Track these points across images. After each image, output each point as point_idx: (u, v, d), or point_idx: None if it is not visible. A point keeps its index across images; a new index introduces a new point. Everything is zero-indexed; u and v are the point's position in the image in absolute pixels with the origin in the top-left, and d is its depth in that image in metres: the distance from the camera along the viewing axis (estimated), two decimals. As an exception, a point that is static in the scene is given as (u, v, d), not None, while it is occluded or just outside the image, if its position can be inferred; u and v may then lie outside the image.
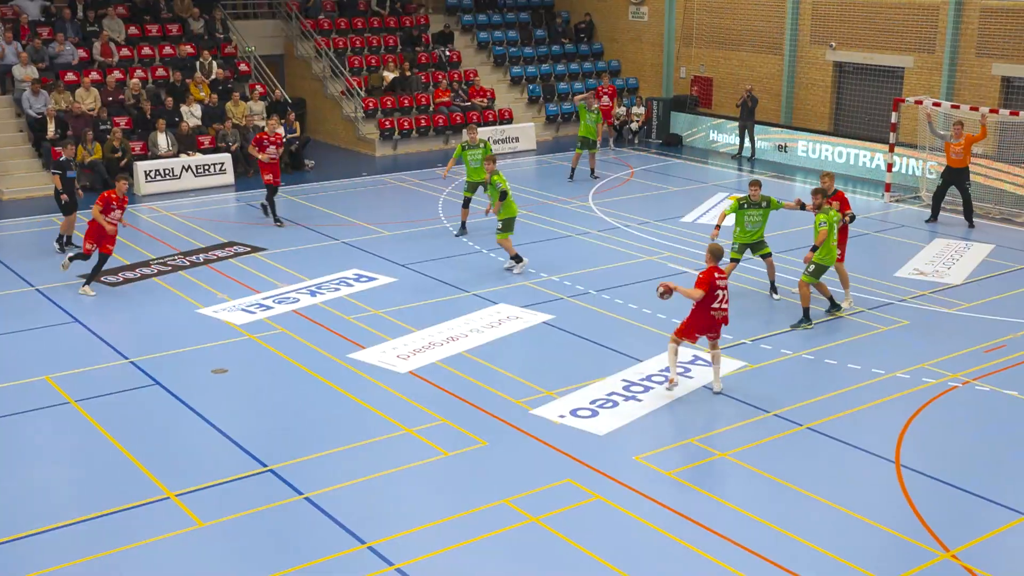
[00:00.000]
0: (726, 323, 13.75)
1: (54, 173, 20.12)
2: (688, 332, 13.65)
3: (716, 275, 13.40)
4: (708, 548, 10.05)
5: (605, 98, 31.45)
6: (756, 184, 17.17)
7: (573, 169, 26.82)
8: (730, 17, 32.41)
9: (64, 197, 19.89)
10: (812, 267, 15.97)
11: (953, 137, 21.96)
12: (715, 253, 13.61)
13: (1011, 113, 22.93)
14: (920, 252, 20.23)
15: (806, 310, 16.13)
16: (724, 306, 13.51)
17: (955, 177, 22.15)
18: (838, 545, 10.11)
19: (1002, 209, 23.30)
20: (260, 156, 22.19)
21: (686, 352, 14.96)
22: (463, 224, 21.47)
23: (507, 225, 18.73)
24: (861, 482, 11.39)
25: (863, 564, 9.80)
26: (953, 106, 24.07)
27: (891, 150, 24.94)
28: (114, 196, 17.85)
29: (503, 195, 18.45)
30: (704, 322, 13.54)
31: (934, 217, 22.82)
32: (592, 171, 26.90)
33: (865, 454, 12.00)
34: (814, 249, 15.92)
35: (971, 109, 23.66)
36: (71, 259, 18.11)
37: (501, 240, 18.77)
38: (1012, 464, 11.91)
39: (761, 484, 11.39)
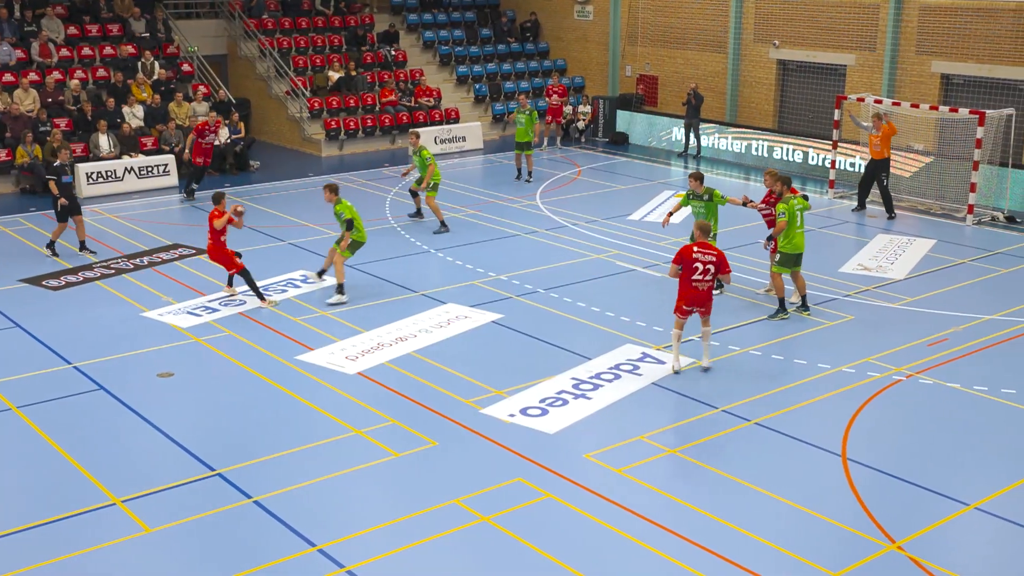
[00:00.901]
0: (709, 298, 14.11)
1: (49, 178, 19.93)
2: (677, 306, 14.16)
3: (696, 249, 13.89)
4: (658, 544, 10.10)
5: (555, 96, 31.52)
6: (694, 177, 17.49)
7: (519, 169, 26.81)
8: (674, 16, 32.61)
9: (63, 201, 19.68)
10: (779, 256, 16.28)
11: (873, 129, 22.43)
12: (702, 228, 14.38)
13: (951, 110, 23.27)
14: (864, 248, 20.47)
15: (781, 300, 16.45)
16: (707, 279, 13.88)
17: (875, 168, 22.82)
18: (786, 539, 10.20)
19: (943, 204, 23.64)
20: (200, 140, 23.29)
21: (634, 349, 15.03)
22: (442, 223, 21.58)
23: (352, 247, 17.45)
24: (808, 476, 11.50)
25: (811, 557, 9.89)
26: (894, 103, 24.38)
27: (834, 147, 25.21)
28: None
29: (349, 224, 17.16)
30: (687, 294, 13.96)
31: (861, 206, 23.44)
32: (529, 173, 26.68)
33: (812, 448, 12.12)
34: (770, 239, 16.44)
35: (912, 106, 23.99)
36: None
37: (338, 260, 17.31)
38: (955, 455, 12.08)
39: (710, 480, 11.46)
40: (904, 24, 26.76)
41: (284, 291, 17.75)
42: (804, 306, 16.58)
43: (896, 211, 22.94)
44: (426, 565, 9.82)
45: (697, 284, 13.85)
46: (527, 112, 26.52)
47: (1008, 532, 10.45)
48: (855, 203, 23.79)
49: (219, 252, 17.15)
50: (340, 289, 17.20)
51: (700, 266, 13.77)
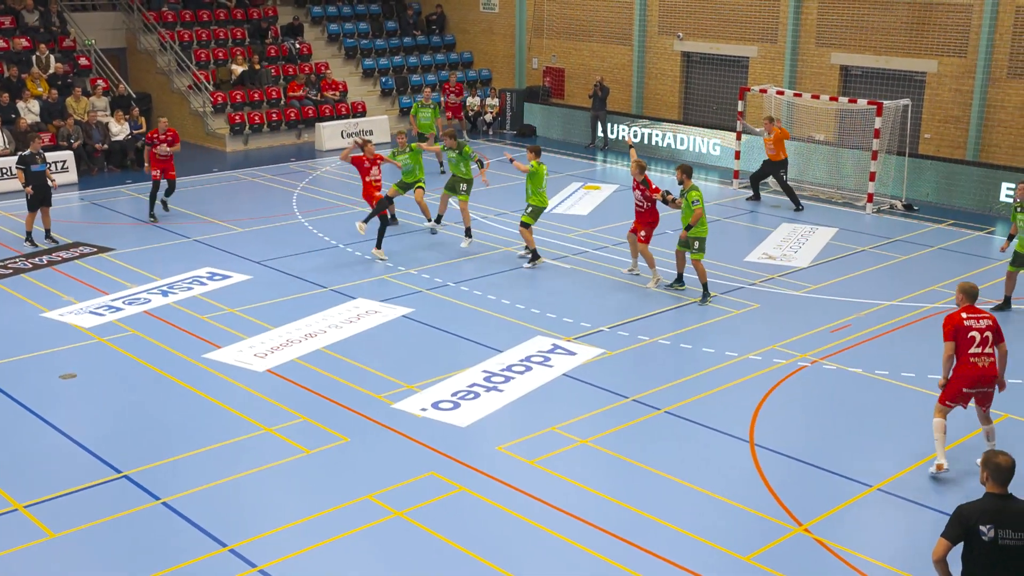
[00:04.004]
0: (994, 375, 11.36)
1: (18, 168, 19.94)
2: (948, 393, 11.43)
3: (965, 316, 11.34)
4: (572, 534, 10.17)
5: (452, 96, 31.41)
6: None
7: (441, 163, 26.37)
8: (580, 8, 32.78)
9: (29, 191, 19.68)
10: (697, 243, 16.66)
11: (766, 132, 23.07)
12: (966, 292, 11.49)
13: (850, 101, 23.77)
14: (768, 237, 20.83)
15: (705, 285, 16.78)
16: (987, 352, 11.24)
17: (770, 168, 23.45)
18: (698, 524, 10.35)
19: (844, 193, 24.14)
20: (156, 151, 22.16)
21: (545, 341, 15.09)
22: (439, 217, 21.29)
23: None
24: (717, 462, 11.67)
25: (721, 542, 10.05)
26: (796, 94, 24.83)
27: (738, 138, 25.60)
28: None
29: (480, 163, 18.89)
30: (967, 373, 11.26)
31: (755, 197, 23.97)
32: (440, 164, 26.20)
33: (720, 435, 12.31)
34: (688, 228, 16.63)
35: (812, 97, 24.46)
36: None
37: (463, 206, 18.79)
38: (859, 439, 12.37)
39: (622, 469, 11.57)
40: (804, 16, 27.26)
41: (190, 289, 17.47)
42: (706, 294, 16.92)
43: (801, 202, 23.30)
44: (339, 562, 9.76)
45: (977, 360, 11.19)
46: (431, 106, 26.42)
47: (909, 511, 10.74)
48: (767, 192, 24.21)
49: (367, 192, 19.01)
50: (468, 232, 19.45)
51: (977, 335, 11.23)
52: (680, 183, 16.80)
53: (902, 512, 10.76)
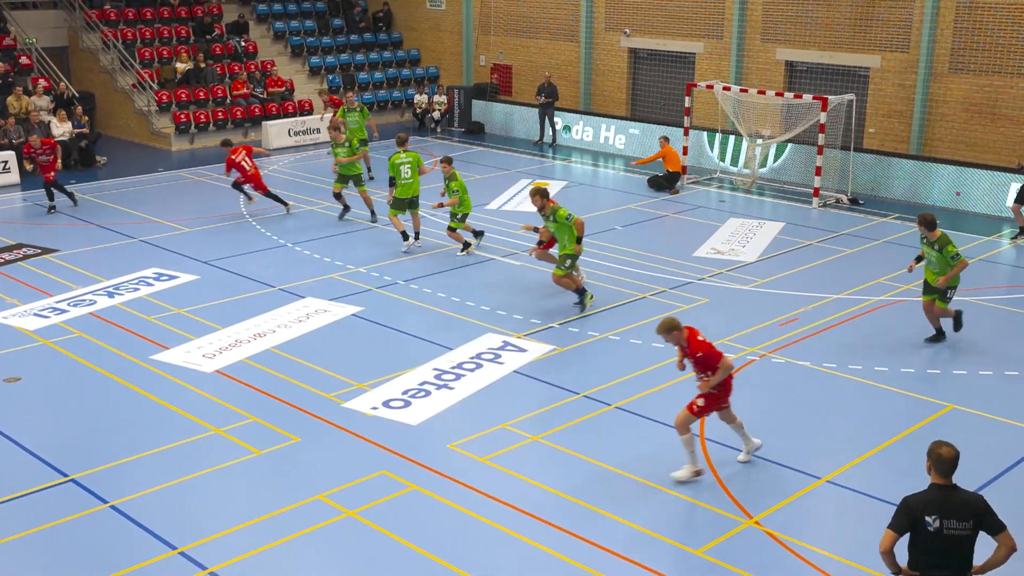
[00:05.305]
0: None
1: None
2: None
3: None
4: (524, 531, 10.18)
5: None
6: (447, 161, 18.87)
7: (367, 168, 25.40)
8: (527, 5, 32.80)
9: None
10: (568, 262, 16.04)
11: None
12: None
13: (795, 96, 23.99)
14: (716, 232, 20.97)
15: (578, 290, 16.26)
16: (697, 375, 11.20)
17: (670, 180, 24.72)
18: (649, 519, 10.40)
19: (790, 188, 24.37)
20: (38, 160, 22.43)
21: (495, 338, 15.10)
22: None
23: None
24: (668, 457, 11.70)
25: (673, 536, 10.12)
26: (742, 90, 25.02)
27: (686, 133, 25.75)
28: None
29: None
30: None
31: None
32: (367, 168, 25.25)
33: (671, 429, 12.32)
34: (540, 244, 16.83)
35: (759, 92, 24.66)
36: None
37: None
38: (808, 431, 12.50)
39: (574, 464, 11.60)
40: (749, 12, 27.47)
41: (136, 289, 17.28)
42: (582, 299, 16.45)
43: (743, 195, 23.57)
44: (291, 562, 9.71)
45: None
46: (357, 109, 25.41)
47: (857, 503, 10.86)
48: (714, 188, 24.41)
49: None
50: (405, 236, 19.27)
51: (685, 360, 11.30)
52: (540, 208, 16.23)
53: (851, 504, 10.88)
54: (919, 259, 15.06)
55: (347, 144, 21.52)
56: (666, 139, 24.92)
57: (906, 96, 24.89)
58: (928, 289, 14.78)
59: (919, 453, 11.39)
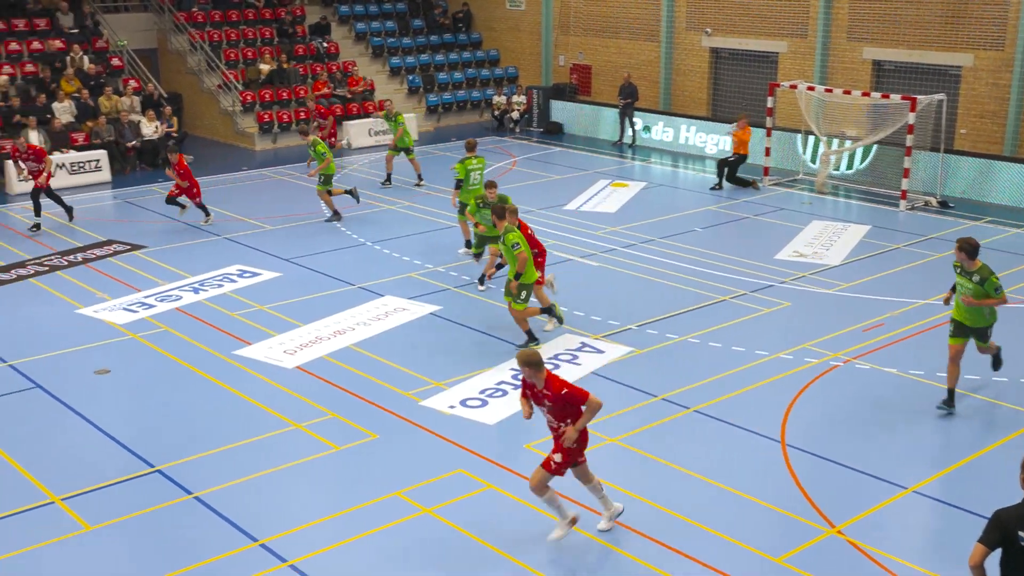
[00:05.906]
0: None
1: None
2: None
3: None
4: (601, 533, 10.11)
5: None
6: (492, 185, 16.87)
7: (389, 174, 25.26)
8: (606, 4, 32.69)
9: None
10: (524, 294, 14.59)
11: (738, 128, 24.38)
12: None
13: (882, 96, 23.57)
14: (799, 234, 20.67)
15: (529, 332, 14.83)
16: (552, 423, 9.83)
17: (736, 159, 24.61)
18: (728, 525, 10.27)
19: (878, 190, 23.95)
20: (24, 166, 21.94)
21: (573, 339, 15.03)
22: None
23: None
24: (748, 462, 11.58)
25: (753, 543, 9.97)
26: (827, 90, 24.65)
27: (768, 134, 25.44)
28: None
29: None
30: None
31: (719, 185, 24.67)
32: (418, 176, 25.27)
33: (751, 434, 12.21)
34: (517, 276, 14.36)
35: (844, 93, 24.27)
36: None
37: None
38: (892, 439, 12.22)
39: (651, 468, 11.51)
40: (835, 11, 27.06)
41: (220, 286, 17.54)
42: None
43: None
44: (368, 558, 9.76)
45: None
46: (393, 117, 25.07)
47: (944, 514, 10.62)
48: (798, 190, 24.10)
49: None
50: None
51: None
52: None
53: (937, 515, 10.64)
54: (954, 289, 12.86)
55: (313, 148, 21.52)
56: (746, 118, 24.66)
57: (1000, 96, 24.28)
58: (960, 331, 12.62)
59: (1012, 465, 11.17)
